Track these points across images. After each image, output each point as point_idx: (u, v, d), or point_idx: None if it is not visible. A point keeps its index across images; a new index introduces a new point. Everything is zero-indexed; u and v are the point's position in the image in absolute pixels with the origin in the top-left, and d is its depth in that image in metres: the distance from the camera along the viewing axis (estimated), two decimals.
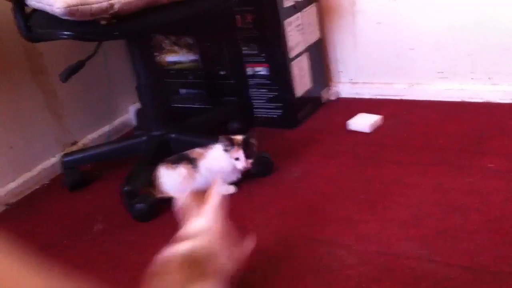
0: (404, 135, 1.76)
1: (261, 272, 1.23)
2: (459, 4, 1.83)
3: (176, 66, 2.07)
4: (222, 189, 1.31)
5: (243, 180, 1.61)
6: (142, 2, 1.37)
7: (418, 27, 1.93)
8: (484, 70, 1.88)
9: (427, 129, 1.78)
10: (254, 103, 1.98)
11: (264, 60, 1.88)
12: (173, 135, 1.71)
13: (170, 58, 2.06)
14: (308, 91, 2.00)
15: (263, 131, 1.95)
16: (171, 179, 1.58)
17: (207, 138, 1.70)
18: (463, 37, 1.87)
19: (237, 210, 1.49)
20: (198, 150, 1.61)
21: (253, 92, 1.96)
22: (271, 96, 1.93)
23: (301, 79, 1.95)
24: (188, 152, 1.61)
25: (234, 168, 1.56)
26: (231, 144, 1.54)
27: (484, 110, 1.84)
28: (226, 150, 1.55)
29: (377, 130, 1.82)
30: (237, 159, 1.54)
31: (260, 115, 1.99)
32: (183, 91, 2.11)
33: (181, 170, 1.58)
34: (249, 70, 1.92)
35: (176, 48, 2.04)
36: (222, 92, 2.02)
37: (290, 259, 1.26)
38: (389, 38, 2.00)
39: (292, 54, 1.88)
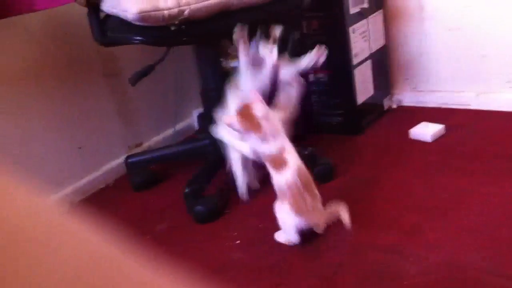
0: (474, 144, 1.71)
1: (319, 276, 1.22)
2: None
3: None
4: None
5: None
6: (213, 8, 1.39)
7: (491, 34, 1.88)
8: None
9: (496, 139, 1.72)
10: (315, 109, 1.97)
11: (327, 66, 1.87)
12: None
13: (235, 63, 2.09)
14: (371, 98, 1.98)
15: (325, 137, 1.95)
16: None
17: None
18: None
19: None
20: None
21: (315, 98, 1.95)
22: (333, 102, 1.92)
23: (364, 86, 1.94)
24: None
25: None
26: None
27: None
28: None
29: (440, 140, 1.78)
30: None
31: (321, 121, 1.98)
32: None
33: None
34: (312, 77, 1.92)
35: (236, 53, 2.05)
36: None
37: (353, 265, 1.25)
38: (459, 45, 1.95)
39: (356, 61, 1.87)
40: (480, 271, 1.15)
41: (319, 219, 1.31)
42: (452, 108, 1.97)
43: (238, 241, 1.42)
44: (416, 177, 1.58)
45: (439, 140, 1.77)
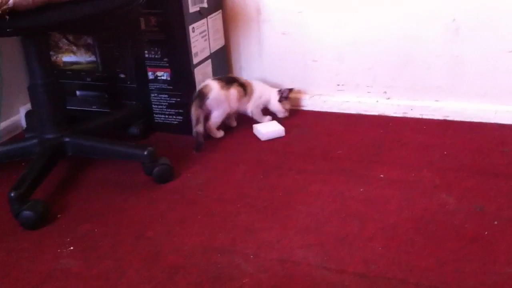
0: (306, 145, 1.79)
1: (156, 281, 1.19)
2: (362, 20, 1.90)
3: (73, 67, 1.97)
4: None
5: (145, 187, 1.57)
6: None
7: (321, 40, 1.98)
8: (381, 84, 1.97)
9: (327, 139, 1.82)
10: (155, 108, 1.93)
11: (167, 65, 1.84)
12: (67, 139, 1.62)
13: (67, 58, 1.97)
14: None
15: (164, 136, 1.91)
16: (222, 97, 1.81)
17: (105, 142, 1.63)
18: (364, 52, 1.94)
19: (137, 218, 1.44)
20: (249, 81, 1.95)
21: (153, 96, 1.91)
22: (173, 101, 1.89)
23: None
24: (238, 77, 1.96)
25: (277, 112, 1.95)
26: (287, 96, 1.94)
27: (380, 123, 1.91)
28: (280, 101, 1.94)
29: (281, 139, 1.84)
30: (286, 109, 1.95)
31: (160, 121, 1.94)
32: (80, 93, 2.01)
33: (233, 91, 1.84)
34: (150, 74, 1.88)
35: (73, 48, 1.94)
36: (122, 96, 1.95)
37: (189, 267, 1.23)
38: (294, 49, 2.03)
39: (196, 60, 1.86)
40: (311, 266, 1.20)
41: None
42: (291, 109, 2.03)
43: (71, 248, 1.33)
44: (250, 177, 1.61)
45: (275, 140, 1.82)
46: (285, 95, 1.94)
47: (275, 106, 1.95)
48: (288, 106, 1.96)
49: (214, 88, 1.79)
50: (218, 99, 1.80)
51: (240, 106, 1.89)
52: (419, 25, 1.84)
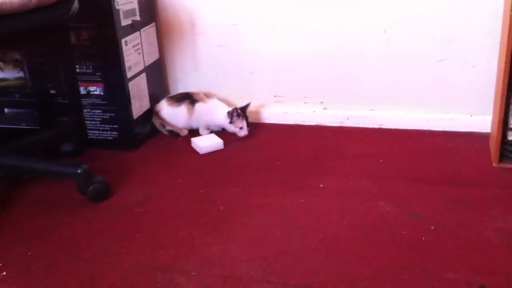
0: (246, 157, 1.78)
1: None
2: (297, 32, 1.92)
3: (1, 83, 1.89)
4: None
5: (80, 206, 1.52)
6: None
7: (258, 52, 1.98)
8: (317, 95, 1.99)
9: (267, 151, 1.82)
10: (88, 124, 1.87)
11: (99, 79, 1.79)
12: None
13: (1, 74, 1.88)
14: (147, 112, 1.95)
15: (99, 153, 1.86)
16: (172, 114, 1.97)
17: (36, 161, 1.57)
18: (300, 63, 1.96)
19: (74, 238, 1.38)
20: (202, 96, 1.99)
21: (86, 112, 1.85)
22: (107, 116, 1.84)
23: (140, 99, 1.89)
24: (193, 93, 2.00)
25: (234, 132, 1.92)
26: (238, 115, 1.89)
27: (318, 133, 1.94)
28: (231, 122, 1.90)
29: (220, 152, 1.82)
30: (241, 128, 1.89)
31: (95, 137, 1.88)
32: (8, 110, 1.92)
33: (182, 109, 1.96)
34: (83, 89, 1.82)
35: (0, 64, 1.86)
36: (54, 112, 1.88)
37: None
38: (230, 61, 2.03)
39: (130, 74, 1.82)
40: (254, 280, 1.19)
41: None
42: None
43: (4, 273, 1.26)
44: (189, 192, 1.58)
45: (214, 153, 1.81)
46: (236, 114, 1.90)
47: (228, 127, 1.93)
48: (242, 124, 1.90)
49: (163, 106, 1.98)
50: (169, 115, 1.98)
51: (191, 122, 1.98)
52: (353, 36, 1.88)
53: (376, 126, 1.95)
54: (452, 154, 1.72)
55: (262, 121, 2.06)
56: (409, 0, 1.78)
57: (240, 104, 2.03)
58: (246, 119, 1.91)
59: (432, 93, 1.88)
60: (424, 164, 1.66)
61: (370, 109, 1.96)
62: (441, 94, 1.88)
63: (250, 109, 2.03)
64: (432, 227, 1.34)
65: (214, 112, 1.94)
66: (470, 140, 1.81)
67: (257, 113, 2.06)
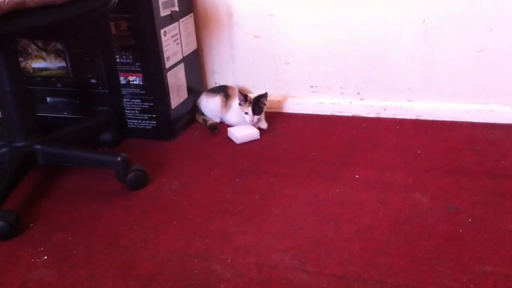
0: (281, 147, 1.79)
1: None
2: (333, 22, 1.91)
3: (43, 73, 1.94)
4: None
5: (118, 194, 1.55)
6: (7, 5, 1.26)
7: (294, 42, 1.98)
8: (354, 85, 1.98)
9: (302, 141, 1.82)
10: (128, 114, 1.91)
11: (138, 69, 1.82)
12: (38, 147, 1.58)
13: (37, 64, 1.93)
14: (184, 102, 1.97)
15: (137, 142, 1.89)
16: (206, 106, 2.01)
17: (77, 149, 1.61)
18: (336, 54, 1.95)
19: (112, 225, 1.42)
20: (234, 88, 2.00)
21: (126, 102, 1.89)
22: (146, 106, 1.87)
23: (178, 90, 1.92)
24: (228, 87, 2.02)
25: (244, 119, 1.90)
26: (245, 100, 1.87)
27: (354, 124, 1.93)
28: (240, 104, 1.89)
29: (256, 142, 1.83)
30: (246, 113, 1.86)
31: (133, 126, 1.92)
32: (50, 99, 1.98)
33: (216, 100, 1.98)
34: (122, 79, 1.85)
35: (43, 54, 1.91)
36: (94, 102, 1.93)
37: (165, 274, 1.21)
38: (266, 52, 2.03)
39: (168, 64, 1.84)
40: (288, 270, 1.20)
41: None
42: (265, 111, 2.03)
43: (45, 257, 1.31)
44: (225, 181, 1.60)
45: (250, 143, 1.82)
46: (242, 98, 1.87)
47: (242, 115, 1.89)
48: (247, 110, 1.86)
49: (202, 99, 2.03)
50: (204, 106, 2.03)
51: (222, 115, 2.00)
52: (390, 27, 1.86)
53: (414, 117, 1.93)
54: (491, 146, 1.69)
55: (298, 112, 2.06)
56: None
57: (275, 94, 2.04)
58: (258, 108, 1.86)
59: (471, 84, 1.85)
60: (462, 156, 1.64)
61: (407, 100, 1.93)
62: (481, 85, 1.84)
63: (285, 99, 2.03)
64: (470, 220, 1.32)
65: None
66: (510, 132, 1.77)
67: (293, 103, 2.06)
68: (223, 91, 2.00)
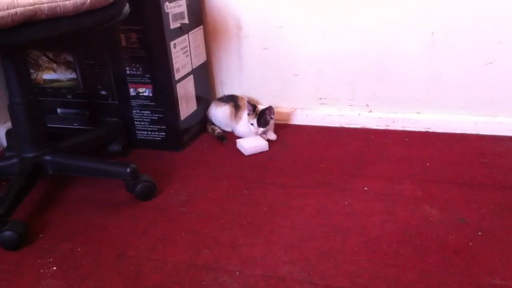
0: (289, 159, 1.79)
1: None
2: (342, 35, 1.92)
3: (54, 84, 1.96)
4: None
5: (126, 205, 1.56)
6: (18, 17, 1.27)
7: (302, 54, 1.99)
8: (362, 97, 1.98)
9: (310, 153, 1.82)
10: (137, 125, 1.92)
11: (148, 81, 1.83)
12: (47, 157, 1.60)
13: (47, 75, 1.95)
14: (193, 114, 1.98)
15: (145, 153, 1.90)
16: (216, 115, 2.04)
17: (86, 160, 1.62)
18: (344, 66, 1.95)
19: (120, 236, 1.42)
20: (244, 99, 2.01)
21: (136, 113, 1.90)
22: (155, 118, 1.88)
23: (187, 101, 1.93)
24: (238, 97, 2.05)
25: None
26: (253, 110, 1.91)
27: (362, 136, 1.92)
28: (248, 114, 1.92)
29: (264, 154, 1.84)
30: (252, 124, 1.90)
31: (143, 137, 1.93)
32: (61, 110, 1.99)
33: (226, 108, 2.01)
34: (132, 91, 1.87)
35: (54, 65, 1.93)
36: (104, 113, 1.94)
37: (172, 285, 1.21)
38: (274, 64, 2.04)
39: (178, 76, 1.86)
40: (296, 282, 1.19)
41: None
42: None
43: (54, 268, 1.31)
44: (233, 193, 1.60)
45: (258, 155, 1.82)
46: (250, 109, 1.91)
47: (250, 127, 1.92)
48: (252, 121, 1.90)
49: (211, 108, 2.07)
50: (213, 115, 2.06)
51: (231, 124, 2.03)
52: (398, 39, 1.86)
53: (423, 129, 1.93)
54: (500, 159, 1.68)
55: (306, 123, 2.06)
56: (458, 2, 1.76)
57: (283, 106, 2.04)
58: (263, 121, 1.89)
59: (481, 96, 1.85)
60: (471, 168, 1.63)
61: (416, 112, 1.93)
62: (490, 97, 1.84)
63: (294, 111, 2.04)
64: (479, 233, 1.31)
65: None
66: None
67: (301, 115, 2.06)
68: (233, 101, 2.01)
